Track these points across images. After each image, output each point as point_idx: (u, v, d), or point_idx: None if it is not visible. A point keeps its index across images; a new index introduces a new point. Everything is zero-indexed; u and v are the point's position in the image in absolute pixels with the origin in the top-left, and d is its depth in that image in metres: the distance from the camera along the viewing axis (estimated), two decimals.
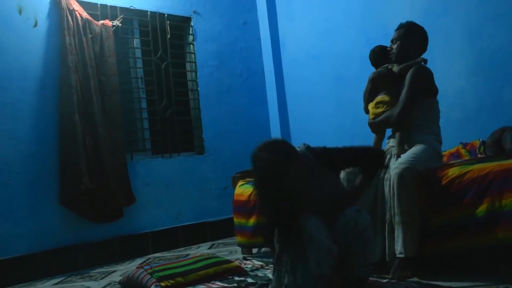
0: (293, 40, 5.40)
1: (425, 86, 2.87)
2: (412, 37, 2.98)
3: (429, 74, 2.90)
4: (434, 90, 2.93)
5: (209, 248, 4.39)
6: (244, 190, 3.70)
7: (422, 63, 2.95)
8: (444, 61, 3.97)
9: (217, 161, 4.97)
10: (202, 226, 4.74)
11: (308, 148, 2.41)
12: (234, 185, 3.91)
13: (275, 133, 5.41)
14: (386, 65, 3.18)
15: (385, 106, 3.03)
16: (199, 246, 4.54)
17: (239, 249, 3.90)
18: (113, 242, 4.17)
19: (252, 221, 3.58)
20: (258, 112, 5.39)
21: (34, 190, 3.84)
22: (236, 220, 3.75)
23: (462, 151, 3.66)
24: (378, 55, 3.24)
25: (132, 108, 4.56)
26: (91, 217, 4.03)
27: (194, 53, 4.96)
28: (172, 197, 4.62)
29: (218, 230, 4.79)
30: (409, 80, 2.85)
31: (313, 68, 5.16)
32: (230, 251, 4.09)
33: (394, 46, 3.02)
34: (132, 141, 4.52)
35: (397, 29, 3.07)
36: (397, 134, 2.96)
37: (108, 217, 4.12)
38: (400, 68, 3.02)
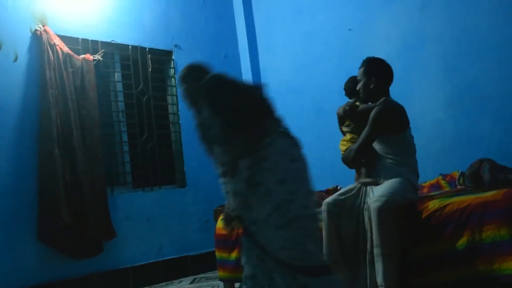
0: (274, 73, 5.47)
1: (390, 122, 2.89)
2: (371, 73, 3.02)
3: (394, 110, 2.93)
4: (403, 124, 2.95)
5: (191, 282, 4.32)
6: None
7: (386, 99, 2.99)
8: (421, 94, 4.07)
9: (198, 194, 4.93)
10: (183, 260, 4.67)
11: None
12: (216, 219, 3.87)
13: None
14: (355, 99, 3.29)
15: (346, 143, 3.20)
16: (181, 281, 4.47)
17: (221, 284, 3.84)
18: (93, 278, 4.07)
19: (234, 255, 3.53)
20: None
21: (11, 225, 3.75)
22: (218, 254, 3.70)
23: (442, 182, 3.71)
24: (351, 87, 3.35)
25: (113, 141, 4.54)
26: (70, 253, 3.94)
27: (175, 86, 4.97)
28: (153, 231, 4.56)
29: (200, 264, 4.72)
30: (371, 118, 2.90)
31: (294, 101, 5.21)
32: (212, 286, 4.03)
33: (359, 85, 3.08)
34: (112, 175, 4.48)
35: (359, 68, 3.12)
36: (362, 170, 3.04)
37: (87, 252, 4.05)
38: (361, 109, 3.11)
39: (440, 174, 3.78)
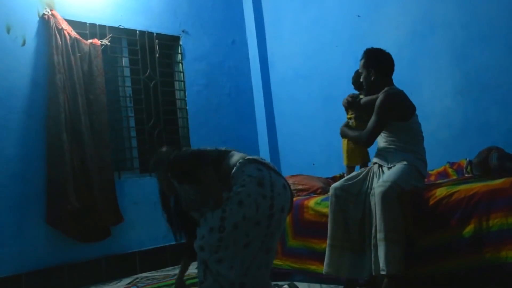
0: (282, 59, 5.45)
1: (394, 111, 2.89)
2: (370, 66, 3.03)
3: (396, 99, 2.92)
4: (409, 112, 2.94)
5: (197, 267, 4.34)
6: None
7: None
8: (431, 81, 4.03)
9: None
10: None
11: None
12: None
13: (264, 151, 5.42)
14: (361, 92, 3.33)
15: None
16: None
17: None
18: (100, 262, 4.11)
19: None
20: (247, 131, 5.39)
21: (20, 210, 3.79)
22: None
23: (449, 170, 3.69)
24: (357, 80, 3.34)
25: (120, 126, 4.55)
26: (78, 237, 3.98)
27: (182, 72, 4.97)
28: (160, 216, 4.52)
29: None
30: (376, 108, 2.91)
31: (302, 87, 5.20)
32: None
33: (361, 78, 3.11)
34: (120, 160, 4.50)
35: (359, 60, 3.14)
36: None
37: (95, 237, 4.08)
38: (364, 101, 3.12)
39: (448, 162, 3.76)
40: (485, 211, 2.36)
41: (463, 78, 3.87)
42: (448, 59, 3.95)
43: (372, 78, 3.01)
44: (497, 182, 2.43)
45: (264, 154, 5.40)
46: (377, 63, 3.03)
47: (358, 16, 4.65)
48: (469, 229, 2.39)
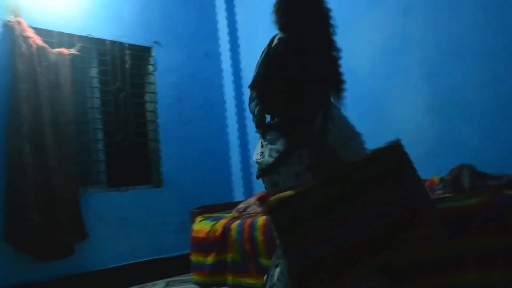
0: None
1: None
2: None
3: None
4: None
5: (165, 286, 4.21)
6: (203, 226, 3.57)
7: None
8: (403, 99, 4.03)
9: (175, 195, 4.82)
10: (158, 262, 4.55)
11: None
12: (193, 221, 3.78)
13: (235, 165, 5.33)
14: None
15: None
16: (155, 284, 4.35)
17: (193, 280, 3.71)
18: (63, 281, 3.91)
19: (210, 259, 3.44)
20: (218, 145, 5.30)
21: None
22: (193, 257, 3.60)
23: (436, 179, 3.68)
24: None
25: (87, 139, 4.39)
26: (39, 255, 3.79)
27: (154, 84, 4.85)
28: (127, 232, 4.43)
29: (175, 266, 4.61)
30: None
31: None
32: None
33: None
34: (86, 174, 4.33)
35: None
36: None
37: (57, 255, 3.90)
38: None
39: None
40: (462, 230, 2.32)
41: (435, 96, 3.88)
42: (421, 77, 3.96)
43: None
44: (472, 202, 2.40)
45: (235, 168, 5.31)
46: None
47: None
48: (445, 249, 2.34)
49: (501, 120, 3.51)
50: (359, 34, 4.42)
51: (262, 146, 2.18)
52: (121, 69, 4.60)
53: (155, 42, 4.90)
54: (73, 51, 4.19)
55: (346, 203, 1.82)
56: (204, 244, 3.50)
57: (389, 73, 4.17)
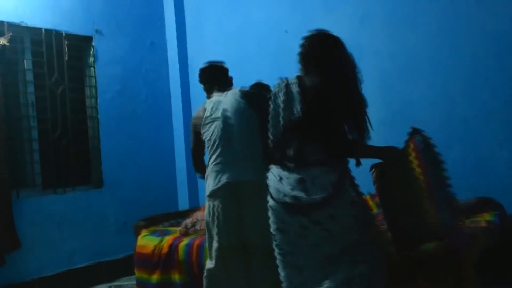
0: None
1: None
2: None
3: None
4: None
5: None
6: (147, 242, 3.41)
7: None
8: None
9: (116, 194, 4.59)
10: (97, 267, 4.35)
11: None
12: (136, 234, 3.60)
13: (180, 162, 5.15)
14: None
15: None
16: None
17: None
18: None
19: (155, 277, 3.31)
20: (163, 140, 5.08)
21: None
22: (137, 273, 3.46)
23: (370, 202, 3.68)
24: None
25: (20, 138, 4.04)
26: None
27: (94, 77, 4.52)
28: (65, 236, 4.18)
29: (116, 270, 4.44)
30: None
31: None
32: None
33: None
34: (19, 176, 4.00)
35: None
36: None
37: None
38: None
39: (368, 193, 3.75)
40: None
41: (388, 110, 3.86)
42: (375, 89, 3.89)
43: None
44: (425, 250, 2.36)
45: (180, 166, 5.14)
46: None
47: (286, 31, 4.49)
48: None
49: (450, 141, 3.55)
50: None
51: (299, 183, 2.14)
52: (58, 61, 4.23)
53: (96, 31, 4.53)
54: (3, 41, 3.79)
55: None
56: (149, 261, 3.35)
57: None
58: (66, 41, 4.26)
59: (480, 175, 3.58)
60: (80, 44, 4.48)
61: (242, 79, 4.81)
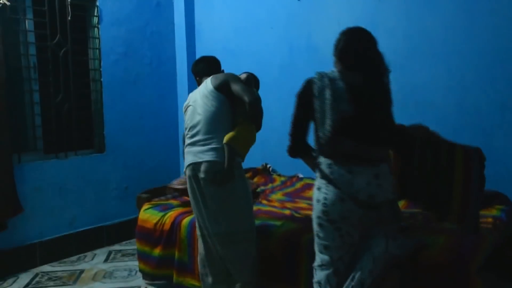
0: (210, 29, 5.00)
1: None
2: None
3: None
4: None
5: (105, 260, 4.07)
6: (150, 216, 3.39)
7: None
8: None
9: (118, 159, 4.55)
10: (98, 230, 4.38)
11: None
12: (139, 206, 3.59)
13: (183, 128, 5.05)
14: None
15: None
16: (95, 255, 4.20)
17: (137, 267, 3.58)
18: None
19: (157, 251, 3.31)
20: (167, 105, 4.99)
21: None
22: (139, 246, 3.45)
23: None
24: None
25: (22, 102, 3.94)
26: None
27: (98, 38, 4.37)
28: (66, 201, 4.18)
29: (117, 234, 4.48)
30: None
31: (229, 65, 4.69)
32: (129, 271, 3.81)
33: None
34: (21, 140, 3.94)
35: None
36: None
37: None
38: None
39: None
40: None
41: (399, 92, 3.42)
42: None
43: None
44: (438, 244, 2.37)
45: (183, 131, 5.05)
46: None
47: (299, 0, 4.31)
48: None
49: (460, 127, 3.48)
50: (327, 10, 4.15)
51: (374, 179, 2.19)
52: (61, 21, 4.06)
53: None
54: (3, 0, 3.63)
55: None
56: (151, 236, 3.34)
57: None
58: (69, 1, 4.09)
59: (489, 166, 3.54)
60: (83, 4, 4.30)
61: (248, 47, 4.70)
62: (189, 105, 2.86)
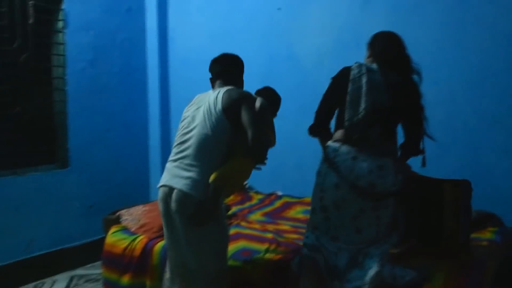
0: (184, 36, 4.75)
1: None
2: None
3: None
4: None
5: (67, 286, 3.71)
6: (118, 240, 3.09)
7: None
8: None
9: (83, 175, 4.21)
10: (59, 254, 4.01)
11: None
12: (106, 229, 3.27)
13: (154, 141, 4.79)
14: None
15: None
16: (54, 281, 3.83)
17: None
18: None
19: (126, 279, 3.01)
20: (137, 116, 4.69)
21: None
22: (105, 273, 3.15)
23: None
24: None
25: None
26: None
27: (63, 44, 4.05)
28: (23, 222, 3.80)
29: (80, 256, 4.12)
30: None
31: (204, 74, 4.46)
32: None
33: None
34: None
35: None
36: None
37: None
38: None
39: None
40: None
41: None
42: None
43: None
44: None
45: (154, 144, 4.79)
46: None
47: (279, 9, 4.12)
48: None
49: (448, 143, 3.33)
50: (309, 19, 3.97)
51: (379, 169, 2.24)
52: (23, 24, 3.74)
53: None
54: None
55: None
56: (119, 262, 3.04)
57: (337, 67, 3.75)
58: (31, 2, 3.76)
59: (477, 183, 3.40)
60: (47, 6, 3.97)
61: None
62: (189, 113, 2.49)
